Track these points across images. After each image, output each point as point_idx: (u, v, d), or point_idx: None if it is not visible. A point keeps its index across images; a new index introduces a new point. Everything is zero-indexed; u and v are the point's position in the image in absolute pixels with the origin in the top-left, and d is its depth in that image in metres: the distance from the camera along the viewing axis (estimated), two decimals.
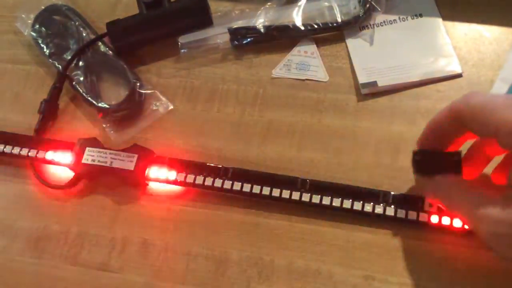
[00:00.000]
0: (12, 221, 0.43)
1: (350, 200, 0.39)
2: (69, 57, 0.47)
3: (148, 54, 0.49)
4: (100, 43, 0.48)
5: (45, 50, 0.49)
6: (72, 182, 0.43)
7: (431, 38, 0.47)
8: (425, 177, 0.36)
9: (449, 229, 0.38)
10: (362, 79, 0.45)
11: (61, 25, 0.50)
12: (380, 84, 0.45)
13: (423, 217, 0.38)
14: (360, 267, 0.39)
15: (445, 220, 0.38)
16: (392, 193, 0.39)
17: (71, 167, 0.43)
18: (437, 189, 0.36)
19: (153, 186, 0.43)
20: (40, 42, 0.49)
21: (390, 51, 0.46)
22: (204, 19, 0.48)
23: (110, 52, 0.48)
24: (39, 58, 0.50)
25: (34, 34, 0.49)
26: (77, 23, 0.49)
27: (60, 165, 0.44)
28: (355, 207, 0.39)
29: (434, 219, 0.38)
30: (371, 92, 0.45)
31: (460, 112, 0.33)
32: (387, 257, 0.39)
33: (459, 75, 0.45)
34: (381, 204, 0.39)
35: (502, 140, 0.31)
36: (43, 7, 0.50)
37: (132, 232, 0.42)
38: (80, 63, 0.48)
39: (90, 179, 0.44)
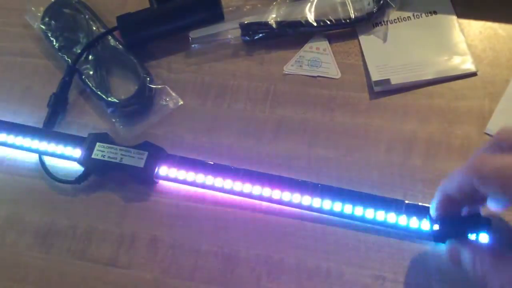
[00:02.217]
0: (20, 215, 0.43)
1: (362, 207, 0.39)
2: (79, 51, 0.47)
3: (158, 49, 0.49)
4: (110, 37, 0.48)
5: (54, 43, 0.48)
6: (82, 177, 0.43)
7: (445, 36, 0.46)
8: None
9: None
10: (375, 76, 0.45)
11: (71, 18, 0.49)
12: (393, 82, 0.44)
13: (436, 227, 0.37)
14: (371, 267, 0.38)
15: None
16: (406, 201, 0.39)
17: (81, 162, 0.43)
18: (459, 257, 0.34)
19: (162, 183, 0.43)
20: (49, 35, 0.49)
21: (404, 49, 0.46)
22: (215, 14, 0.48)
23: (120, 46, 0.47)
24: (48, 52, 0.49)
25: (43, 27, 0.49)
26: (87, 17, 0.49)
27: (69, 159, 0.43)
28: (366, 215, 0.39)
29: None
30: (384, 89, 0.44)
31: (473, 184, 0.30)
32: (399, 258, 0.38)
33: (473, 74, 0.44)
34: (394, 213, 0.38)
35: None
36: (53, 0, 0.50)
37: (140, 228, 0.41)
38: (90, 57, 0.47)
39: (100, 174, 0.43)
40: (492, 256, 0.32)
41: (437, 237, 0.37)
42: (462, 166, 0.32)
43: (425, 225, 0.37)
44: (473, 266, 0.32)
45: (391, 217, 0.38)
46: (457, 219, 0.36)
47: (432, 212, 0.36)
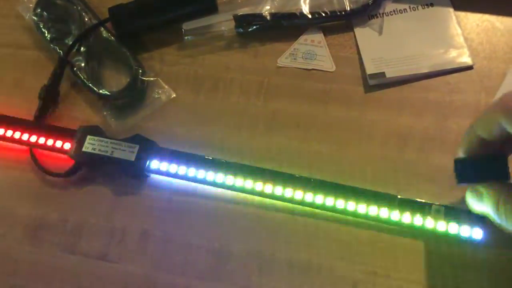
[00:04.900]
0: (10, 209, 0.43)
1: (354, 202, 0.38)
2: (71, 42, 0.46)
3: (151, 41, 0.48)
4: (102, 29, 0.47)
5: (46, 34, 0.48)
6: (72, 170, 0.42)
7: (442, 29, 0.45)
8: (469, 186, 0.34)
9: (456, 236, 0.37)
10: (369, 69, 0.44)
11: (63, 9, 0.48)
12: (388, 75, 0.44)
13: (429, 223, 0.37)
14: (363, 262, 0.38)
15: (453, 228, 0.37)
16: (399, 196, 0.38)
17: (72, 155, 0.42)
18: (483, 201, 0.33)
19: (154, 177, 0.42)
20: (41, 26, 0.48)
21: (399, 41, 0.45)
22: (209, 5, 0.47)
23: (113, 38, 0.47)
24: (40, 43, 0.49)
25: (35, 18, 0.48)
26: (79, 8, 0.48)
27: (60, 152, 0.43)
28: (359, 210, 0.38)
29: (441, 226, 0.37)
30: (379, 83, 0.44)
31: (502, 123, 0.29)
32: (391, 253, 0.38)
33: (470, 67, 0.44)
34: (386, 208, 0.38)
35: None
36: None
37: (131, 222, 0.41)
38: (82, 48, 0.47)
39: (90, 168, 0.43)
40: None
41: (461, 178, 0.34)
42: (492, 105, 0.31)
43: (418, 220, 0.37)
44: (497, 207, 0.31)
45: (384, 212, 0.38)
46: (482, 161, 0.33)
47: (460, 152, 0.34)
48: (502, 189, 0.32)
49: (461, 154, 0.34)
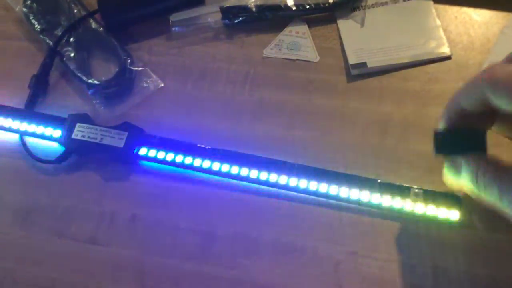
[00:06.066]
0: (1, 195, 0.43)
1: (336, 186, 0.40)
2: (60, 33, 0.47)
3: (139, 32, 0.49)
4: (91, 20, 0.48)
5: (36, 26, 0.48)
6: (62, 157, 0.43)
7: (422, 21, 0.47)
8: (446, 158, 0.34)
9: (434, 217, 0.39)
10: (352, 60, 0.46)
11: (52, 1, 0.49)
12: (369, 65, 0.45)
13: (408, 206, 0.39)
14: (345, 243, 0.39)
15: (431, 210, 0.38)
16: (379, 181, 0.40)
17: (61, 142, 0.43)
18: (461, 173, 0.33)
19: (142, 163, 0.43)
20: (31, 18, 0.49)
21: (381, 33, 0.47)
22: None
23: (101, 29, 0.48)
24: (30, 34, 0.50)
25: (25, 9, 0.49)
26: None
27: (50, 139, 0.44)
28: (341, 194, 0.40)
29: (420, 208, 0.38)
30: (361, 73, 0.45)
31: (485, 93, 0.30)
32: (371, 234, 0.39)
33: (448, 58, 0.45)
34: (367, 192, 0.39)
35: None
36: None
37: (120, 207, 0.42)
38: (71, 39, 0.48)
39: (80, 154, 0.44)
40: (493, 167, 0.31)
41: (439, 148, 0.35)
42: (477, 75, 0.31)
43: (397, 203, 0.39)
44: (475, 177, 0.31)
45: (365, 196, 0.39)
46: (462, 134, 0.34)
47: (441, 124, 0.34)
48: (480, 161, 0.32)
49: (441, 126, 0.35)
